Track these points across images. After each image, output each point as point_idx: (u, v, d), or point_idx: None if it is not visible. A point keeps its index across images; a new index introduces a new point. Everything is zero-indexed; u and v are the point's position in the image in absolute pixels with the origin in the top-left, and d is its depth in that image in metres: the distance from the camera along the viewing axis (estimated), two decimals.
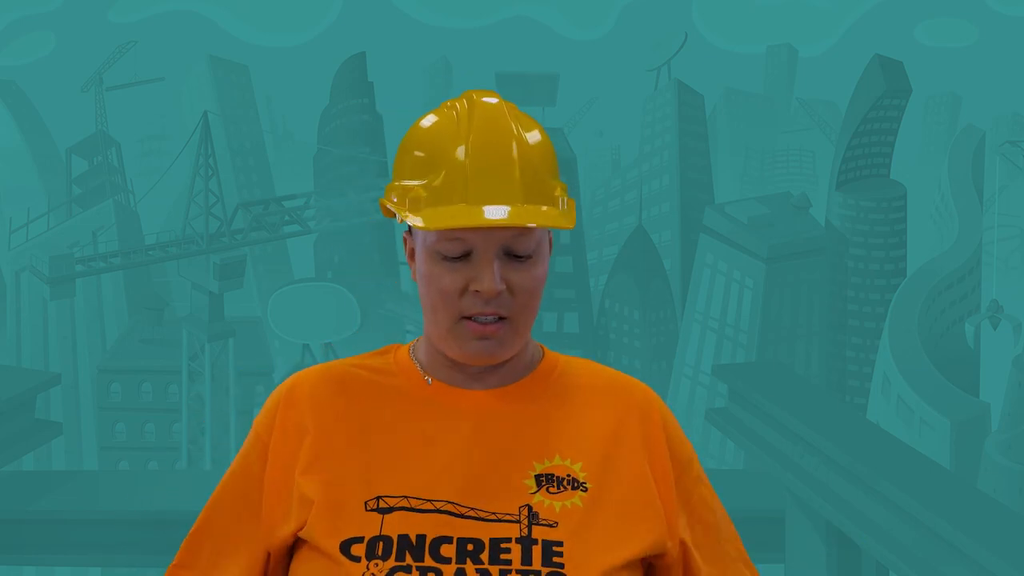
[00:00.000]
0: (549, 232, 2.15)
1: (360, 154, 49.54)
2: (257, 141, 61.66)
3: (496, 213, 1.99)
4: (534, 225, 2.01)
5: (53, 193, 56.41)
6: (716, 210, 46.76)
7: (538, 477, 2.06)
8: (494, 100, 2.07)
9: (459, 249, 2.03)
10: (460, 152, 2.03)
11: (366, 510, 2.03)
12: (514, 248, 2.03)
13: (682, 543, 2.13)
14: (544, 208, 2.03)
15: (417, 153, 2.06)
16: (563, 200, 2.06)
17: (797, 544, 32.26)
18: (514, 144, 2.03)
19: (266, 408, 2.15)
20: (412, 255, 2.11)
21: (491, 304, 2.02)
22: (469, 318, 2.04)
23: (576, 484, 2.07)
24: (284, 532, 2.09)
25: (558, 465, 2.08)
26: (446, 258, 2.03)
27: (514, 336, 2.06)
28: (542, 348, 2.20)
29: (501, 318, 2.04)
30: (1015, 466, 33.59)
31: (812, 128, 72.60)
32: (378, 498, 2.04)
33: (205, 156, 41.97)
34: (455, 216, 1.99)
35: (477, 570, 1.99)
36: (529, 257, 2.05)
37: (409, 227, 2.12)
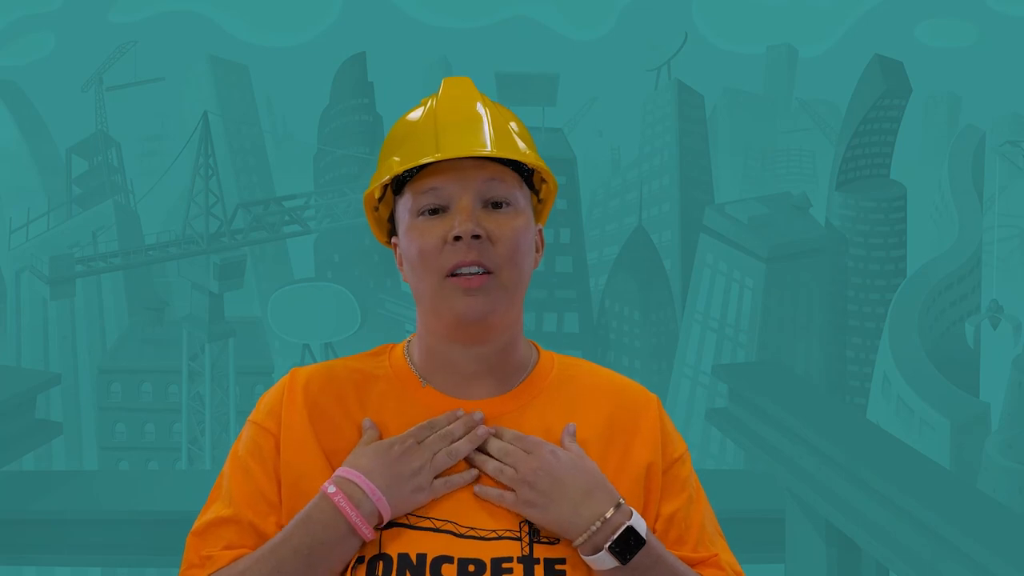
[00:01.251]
0: (540, 227, 2.15)
1: (360, 154, 49.52)
2: (257, 141, 61.62)
3: (464, 152, 2.01)
4: (500, 156, 2.01)
5: (53, 193, 56.33)
6: (716, 210, 46.71)
7: None
8: (463, 77, 2.11)
9: (435, 200, 2.02)
10: (429, 116, 2.06)
11: None
12: (489, 193, 2.02)
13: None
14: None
15: (392, 135, 2.09)
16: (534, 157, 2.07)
17: (797, 544, 32.23)
18: (479, 103, 2.06)
19: (269, 403, 2.09)
20: (401, 262, 2.08)
21: (472, 250, 1.98)
22: (454, 276, 2.00)
23: None
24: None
25: None
26: (424, 214, 2.02)
27: (502, 292, 2.01)
28: (537, 348, 2.16)
29: (486, 272, 2.00)
30: (1015, 466, 33.57)
31: (812, 128, 72.57)
32: None
33: (205, 156, 41.89)
34: (425, 159, 2.01)
35: None
36: (508, 205, 2.03)
37: (397, 232, 2.11)
